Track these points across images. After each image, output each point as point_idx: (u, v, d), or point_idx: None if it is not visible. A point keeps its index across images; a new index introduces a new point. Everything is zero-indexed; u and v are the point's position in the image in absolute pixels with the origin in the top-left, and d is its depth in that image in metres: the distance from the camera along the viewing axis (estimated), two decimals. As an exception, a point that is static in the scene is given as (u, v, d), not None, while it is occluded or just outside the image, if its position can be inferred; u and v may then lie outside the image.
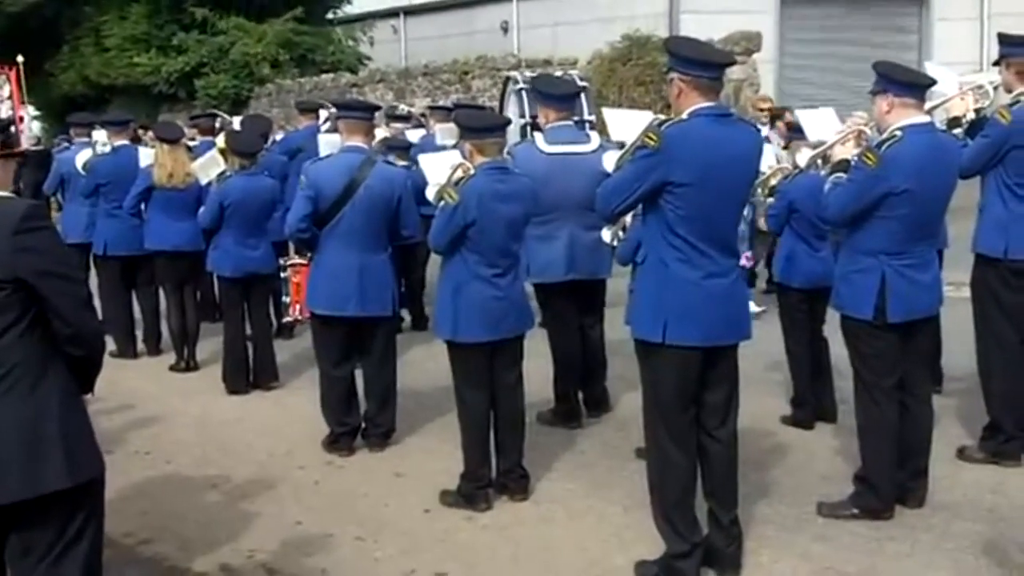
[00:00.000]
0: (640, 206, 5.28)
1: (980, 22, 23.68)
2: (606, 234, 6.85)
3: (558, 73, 9.77)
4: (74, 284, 3.85)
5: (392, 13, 33.39)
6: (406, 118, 13.96)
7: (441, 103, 17.91)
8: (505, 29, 29.12)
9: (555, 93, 7.86)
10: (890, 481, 5.98)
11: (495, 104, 19.46)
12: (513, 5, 29.06)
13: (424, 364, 9.04)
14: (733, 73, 19.22)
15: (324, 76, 27.75)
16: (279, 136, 13.80)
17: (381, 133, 10.84)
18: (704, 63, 5.14)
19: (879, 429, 5.95)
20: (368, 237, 7.39)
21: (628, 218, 6.10)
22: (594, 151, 7.62)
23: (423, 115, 15.42)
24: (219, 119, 13.88)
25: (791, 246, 7.69)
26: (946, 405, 7.65)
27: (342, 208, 7.29)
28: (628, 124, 6.20)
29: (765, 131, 11.62)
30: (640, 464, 5.85)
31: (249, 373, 9.34)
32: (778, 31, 24.10)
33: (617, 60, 20.65)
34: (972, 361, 7.11)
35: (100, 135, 11.42)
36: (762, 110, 13.64)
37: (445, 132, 10.85)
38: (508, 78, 11.58)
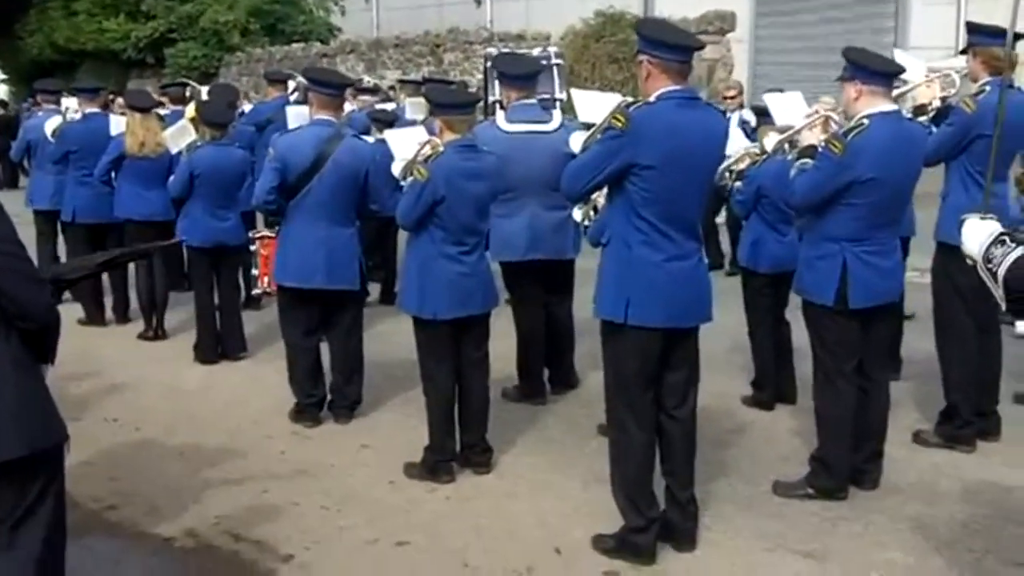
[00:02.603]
0: (606, 187, 5.36)
1: (957, 7, 23.67)
2: (577, 213, 6.90)
3: (536, 51, 9.71)
4: (18, 260, 3.76)
5: (364, -18, 33.21)
6: (373, 91, 13.98)
7: (411, 76, 17.88)
8: (478, 1, 29.00)
9: (515, 73, 7.84)
10: (845, 462, 6.09)
11: (467, 78, 19.45)
12: (487, -23, 28.97)
13: (391, 337, 9.07)
14: (706, 53, 19.25)
15: (294, 45, 27.67)
16: (247, 107, 13.78)
17: (348, 106, 10.87)
18: (673, 46, 5.18)
19: (836, 411, 6.05)
20: (335, 211, 7.42)
21: (601, 198, 6.12)
22: (555, 130, 7.63)
23: (392, 88, 15.44)
24: (189, 88, 13.84)
25: (758, 231, 7.74)
26: (904, 389, 7.80)
27: (310, 181, 7.32)
28: (596, 105, 6.23)
29: (734, 120, 11.65)
30: (602, 441, 5.94)
31: (218, 343, 9.39)
32: (753, 11, 24.08)
33: (590, 36, 20.63)
34: (932, 346, 7.21)
35: (71, 102, 11.39)
36: (728, 98, 13.68)
37: (415, 106, 10.90)
38: (487, 56, 11.58)
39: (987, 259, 3.83)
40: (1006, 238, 3.83)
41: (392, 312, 10.02)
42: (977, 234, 3.94)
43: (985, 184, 6.65)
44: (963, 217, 4.16)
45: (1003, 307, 3.80)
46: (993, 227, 3.92)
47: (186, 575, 5.54)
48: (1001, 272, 3.72)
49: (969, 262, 4.01)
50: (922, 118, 6.95)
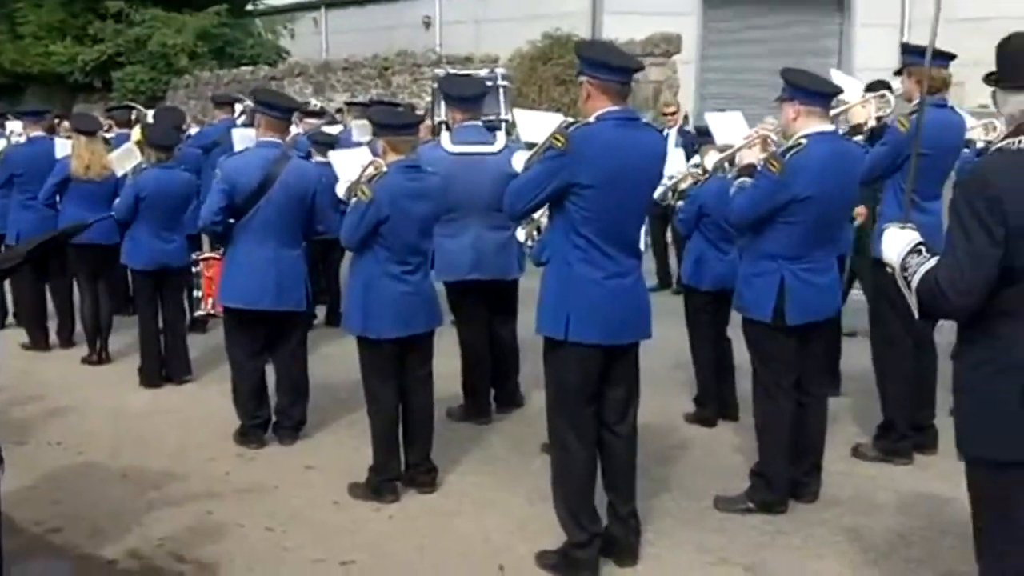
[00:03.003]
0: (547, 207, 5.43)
1: (901, 29, 24.01)
2: (520, 233, 6.96)
3: (483, 72, 9.76)
4: None
5: (313, 5, 33.25)
6: (320, 114, 14.01)
7: (359, 99, 17.92)
8: (427, 24, 29.10)
9: (460, 94, 7.92)
10: (784, 476, 6.18)
11: (415, 100, 19.51)
12: (436, 0, 29.05)
13: (336, 359, 9.07)
14: (652, 75, 19.45)
15: (243, 69, 27.64)
16: (194, 129, 13.77)
17: (294, 129, 10.89)
18: (612, 67, 5.25)
19: (775, 426, 6.14)
20: (282, 232, 7.44)
21: (544, 218, 6.18)
22: (499, 151, 7.72)
23: (339, 111, 15.48)
24: (135, 111, 13.81)
25: (700, 249, 7.84)
26: (843, 404, 7.93)
27: (257, 202, 7.33)
28: (538, 125, 6.31)
29: (673, 134, 12.20)
30: (546, 459, 5.98)
31: (162, 366, 9.35)
32: (700, 34, 24.30)
33: (538, 59, 20.79)
34: (870, 361, 7.33)
35: (15, 125, 11.34)
36: (667, 115, 13.99)
37: (361, 128, 10.93)
38: (435, 77, 11.66)
39: (903, 267, 3.93)
40: (923, 248, 3.93)
41: (337, 334, 10.01)
42: (896, 243, 4.04)
43: (916, 200, 6.82)
44: (884, 226, 4.25)
45: (916, 315, 3.88)
46: (911, 236, 4.01)
47: (129, 597, 5.53)
48: (915, 281, 3.82)
49: (888, 270, 4.11)
50: (858, 137, 7.07)
